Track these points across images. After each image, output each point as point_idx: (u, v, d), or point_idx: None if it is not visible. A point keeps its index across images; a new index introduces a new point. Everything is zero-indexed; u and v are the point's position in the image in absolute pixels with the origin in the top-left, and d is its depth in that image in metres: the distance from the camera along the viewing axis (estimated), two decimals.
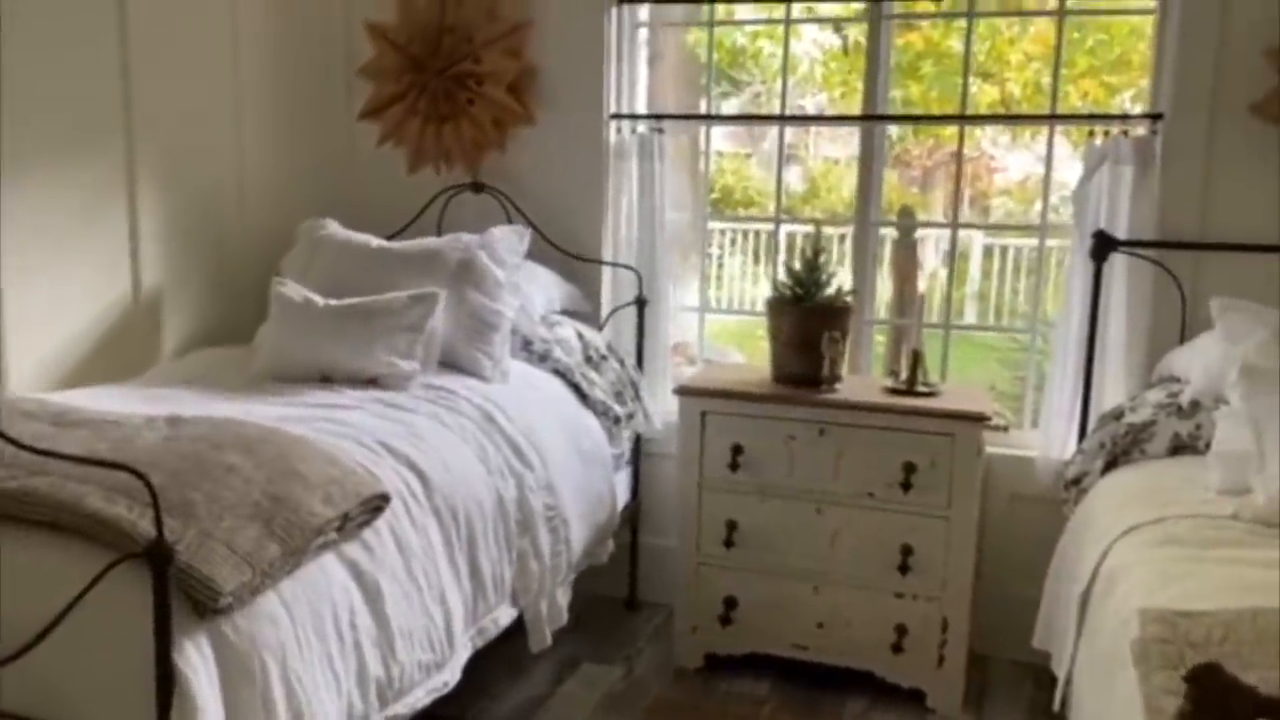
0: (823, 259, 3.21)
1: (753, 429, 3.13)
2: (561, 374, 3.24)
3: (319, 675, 1.93)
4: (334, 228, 3.36)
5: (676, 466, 3.28)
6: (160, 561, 1.66)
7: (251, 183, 3.50)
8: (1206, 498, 2.38)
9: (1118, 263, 3.12)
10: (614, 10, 3.60)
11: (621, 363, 3.46)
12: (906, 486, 2.99)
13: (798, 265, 3.22)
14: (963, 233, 3.83)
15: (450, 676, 2.38)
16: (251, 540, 1.83)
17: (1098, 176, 3.12)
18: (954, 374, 3.70)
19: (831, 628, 3.12)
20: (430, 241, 3.34)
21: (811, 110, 6.48)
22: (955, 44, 5.51)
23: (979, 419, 2.96)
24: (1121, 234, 3.09)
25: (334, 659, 1.98)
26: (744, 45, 6.44)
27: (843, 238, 5.37)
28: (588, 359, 3.35)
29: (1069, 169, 4.38)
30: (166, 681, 1.66)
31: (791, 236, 4.69)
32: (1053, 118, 3.42)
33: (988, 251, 7.21)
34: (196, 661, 1.71)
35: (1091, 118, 3.37)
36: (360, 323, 2.94)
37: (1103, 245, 3.09)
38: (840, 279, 3.25)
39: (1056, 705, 2.42)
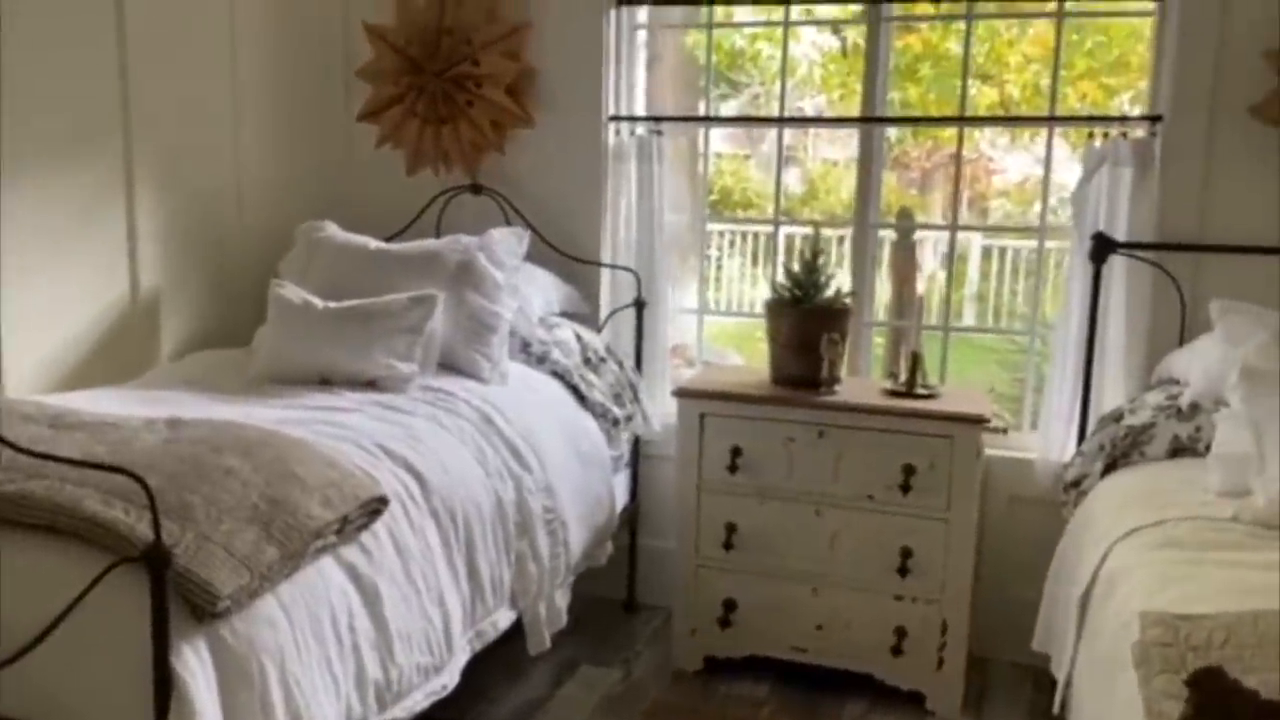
0: (821, 261, 3.21)
1: (752, 431, 3.12)
2: (560, 376, 3.24)
3: (317, 678, 1.92)
4: (332, 229, 3.35)
5: (675, 468, 3.28)
6: (158, 565, 1.65)
7: (250, 184, 3.49)
8: (1206, 500, 2.38)
9: (1117, 265, 3.12)
10: (613, 12, 3.59)
11: (620, 365, 3.45)
12: (906, 489, 2.99)
13: (796, 267, 3.21)
14: (961, 234, 3.82)
15: (449, 679, 2.38)
16: (249, 543, 1.82)
17: (1097, 178, 3.12)
18: (953, 376, 3.70)
19: (831, 630, 3.12)
20: (429, 243, 3.33)
21: (810, 112, 6.47)
22: (954, 46, 5.50)
23: (978, 421, 2.96)
24: (1121, 236, 3.09)
25: (332, 662, 1.98)
26: (742, 47, 6.43)
27: (841, 239, 5.37)
28: (586, 361, 3.35)
29: (1068, 170, 4.38)
30: (164, 685, 1.66)
31: (790, 238, 4.68)
32: (1052, 119, 3.42)
33: (986, 253, 7.20)
34: (194, 665, 1.70)
35: (1091, 119, 3.36)
36: (359, 325, 2.93)
37: (1102, 247, 3.09)
38: (839, 281, 3.25)
39: (1056, 708, 2.41)
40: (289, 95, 3.64)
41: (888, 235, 4.38)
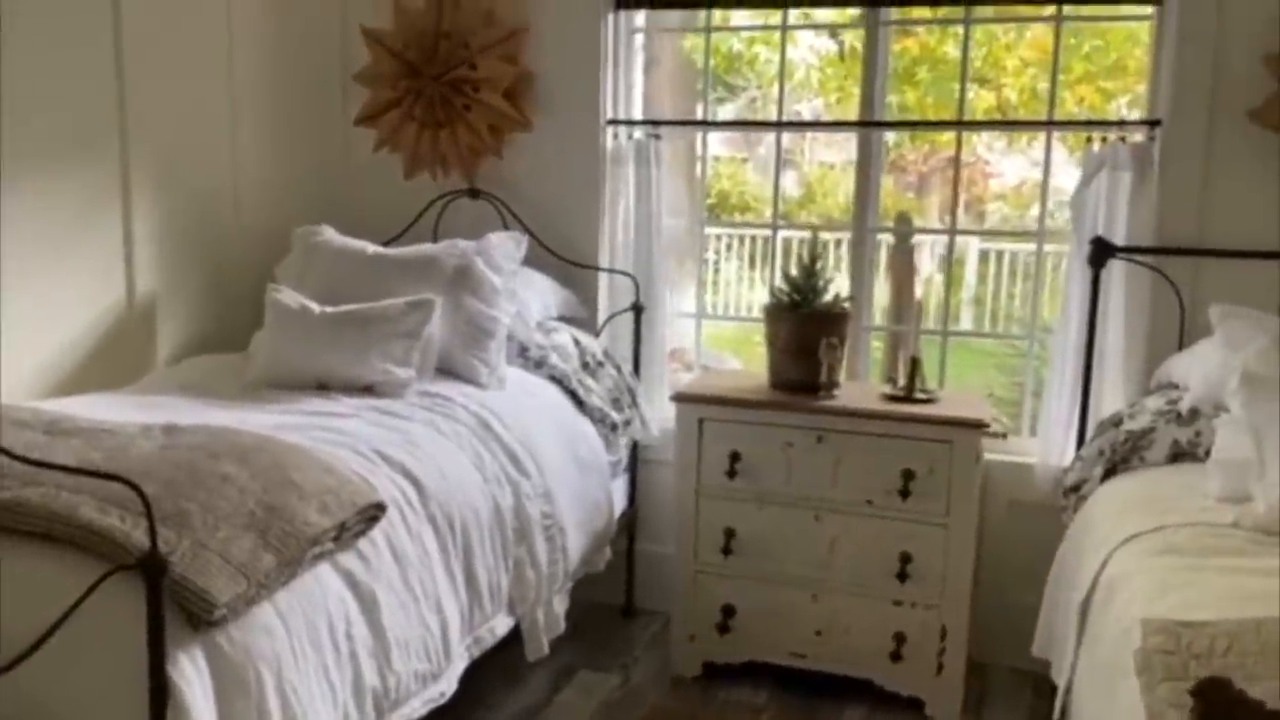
0: (820, 265, 3.20)
1: (750, 436, 3.11)
2: (558, 381, 3.23)
3: (314, 686, 1.91)
4: (330, 234, 3.34)
5: (674, 473, 3.27)
6: (154, 573, 1.64)
7: (247, 188, 3.48)
8: (1206, 505, 2.38)
9: (1116, 269, 3.11)
10: (610, 16, 3.59)
11: (618, 369, 3.44)
12: (905, 494, 2.98)
13: (795, 271, 3.21)
14: (959, 238, 3.81)
15: (447, 686, 2.37)
16: (246, 551, 1.81)
17: (1096, 182, 3.11)
18: (951, 380, 3.69)
19: (830, 636, 3.11)
20: (426, 248, 3.33)
21: (807, 115, 6.47)
22: (951, 50, 5.51)
23: (978, 426, 2.95)
24: (1119, 240, 3.09)
25: (330, 670, 1.97)
26: (740, 51, 6.43)
27: (838, 243, 5.37)
28: (584, 365, 3.34)
29: (1065, 174, 4.38)
30: (160, 694, 1.64)
31: (788, 241, 4.68)
32: (1050, 124, 3.42)
33: (983, 256, 7.20)
34: (191, 673, 1.69)
35: (1089, 124, 3.36)
36: (356, 330, 2.92)
37: (1101, 251, 3.09)
38: (838, 285, 3.24)
39: (1056, 714, 2.40)
40: (286, 99, 3.63)
41: (885, 239, 4.38)
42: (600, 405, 3.26)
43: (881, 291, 4.33)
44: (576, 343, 3.39)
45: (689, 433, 3.17)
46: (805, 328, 3.13)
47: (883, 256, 4.33)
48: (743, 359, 5.26)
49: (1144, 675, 1.63)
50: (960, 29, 3.55)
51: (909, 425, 2.99)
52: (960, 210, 3.72)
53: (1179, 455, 2.69)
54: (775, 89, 3.84)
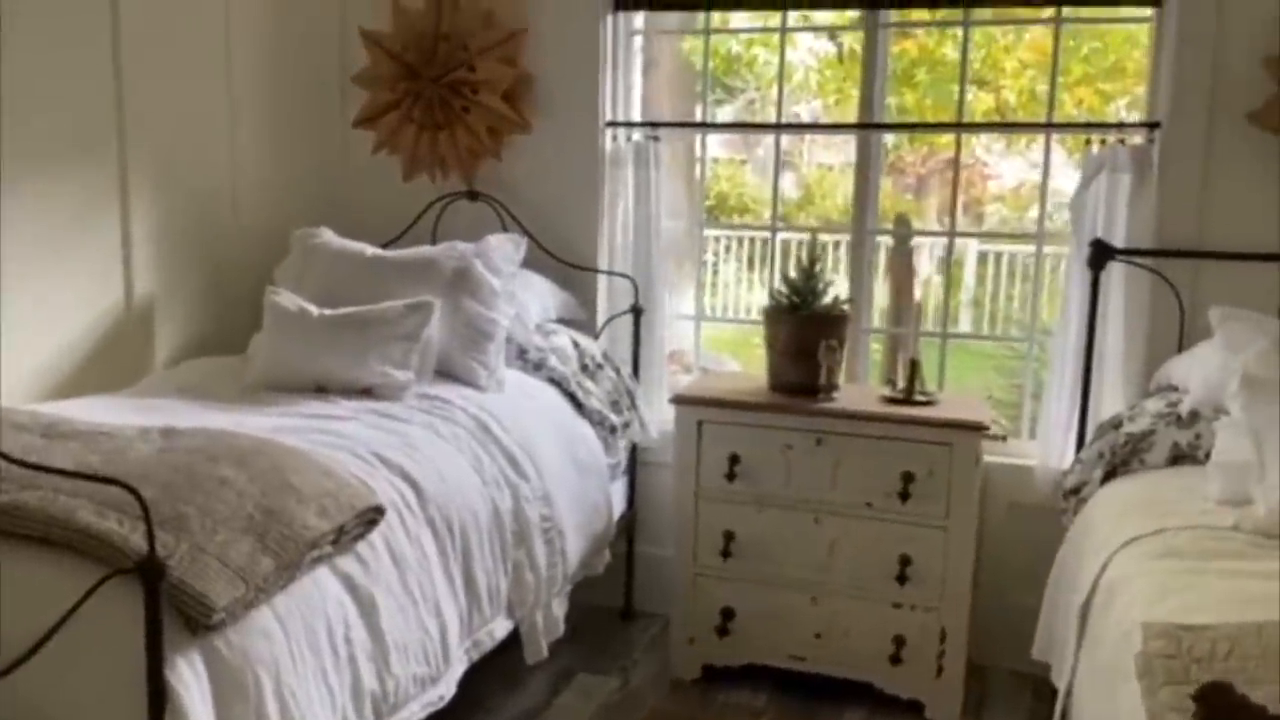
0: (819, 267, 3.20)
1: (750, 438, 3.11)
2: (557, 383, 3.22)
3: (313, 690, 1.91)
4: (328, 236, 3.34)
5: (673, 476, 3.26)
6: (152, 577, 1.64)
7: (245, 190, 3.48)
8: (1206, 508, 2.37)
9: (1115, 271, 3.11)
10: (609, 18, 3.59)
11: (617, 371, 3.44)
12: (905, 496, 2.98)
13: (794, 274, 3.20)
14: (957, 239, 3.80)
15: (445, 690, 2.36)
16: (245, 554, 1.81)
17: (1095, 185, 3.11)
18: (950, 382, 3.69)
19: (829, 638, 3.10)
20: (425, 250, 3.32)
21: (806, 117, 6.46)
22: (950, 51, 5.50)
23: (977, 428, 2.95)
24: (1119, 242, 3.08)
25: (328, 673, 1.96)
26: (739, 53, 6.43)
27: (837, 244, 5.37)
28: (583, 368, 3.34)
29: (1064, 176, 4.37)
30: (159, 698, 1.64)
31: (786, 243, 4.67)
32: (1050, 126, 3.42)
33: (982, 258, 7.20)
34: (189, 678, 1.69)
35: (1089, 126, 3.36)
36: (355, 332, 2.92)
37: (1100, 254, 3.09)
38: (837, 287, 3.24)
39: (1057, 717, 2.39)
40: (285, 101, 3.62)
41: (884, 241, 4.38)
42: (599, 408, 3.26)
43: (881, 293, 4.33)
44: (575, 345, 3.39)
45: (688, 435, 3.17)
46: (804, 330, 3.13)
47: (881, 258, 4.33)
48: (741, 361, 5.25)
49: (1145, 679, 1.62)
50: (959, 31, 3.55)
51: (908, 428, 2.98)
52: (959, 212, 3.71)
53: (1179, 458, 2.68)
54: (774, 91, 3.84)
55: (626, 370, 3.50)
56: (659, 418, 3.53)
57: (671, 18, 3.81)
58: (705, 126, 3.88)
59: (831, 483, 3.05)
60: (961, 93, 3.54)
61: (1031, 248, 3.69)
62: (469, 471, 2.60)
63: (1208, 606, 1.86)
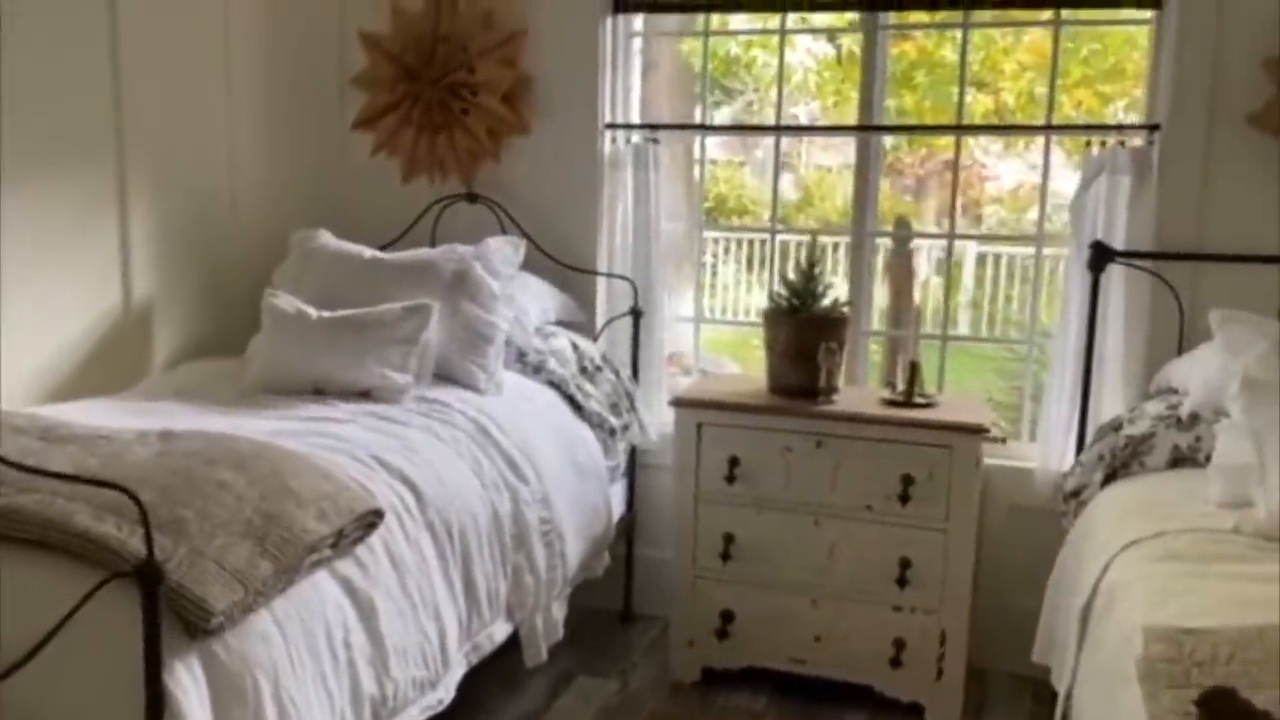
0: (818, 270, 3.19)
1: (749, 441, 3.11)
2: (556, 386, 3.22)
3: (312, 694, 1.90)
4: (327, 238, 3.33)
5: (672, 478, 3.26)
6: (150, 581, 1.63)
7: (244, 193, 3.47)
8: (1207, 511, 2.37)
9: (1115, 273, 3.11)
10: (609, 20, 3.58)
11: (616, 374, 3.43)
12: (904, 499, 2.97)
13: (794, 276, 3.20)
14: (956, 241, 3.80)
15: (445, 694, 2.36)
16: (244, 558, 1.80)
17: (1095, 187, 3.11)
18: (950, 384, 3.69)
19: (829, 641, 3.10)
20: (424, 253, 3.32)
21: (804, 118, 6.46)
22: (948, 53, 5.50)
23: (977, 431, 2.95)
24: (1119, 244, 3.08)
25: (327, 677, 1.96)
26: (737, 54, 6.43)
27: (835, 246, 5.36)
28: (583, 370, 3.33)
29: (1062, 177, 4.37)
30: (156, 702, 1.63)
31: (785, 245, 4.67)
32: (1050, 128, 3.42)
33: (980, 259, 7.20)
34: (187, 682, 1.68)
35: (1089, 128, 3.36)
36: (353, 335, 2.91)
37: (1100, 256, 3.08)
38: (836, 290, 3.23)
39: None
40: (283, 103, 3.62)
41: (883, 243, 4.38)
42: (599, 410, 3.25)
43: (880, 295, 4.32)
44: (575, 347, 3.38)
45: (688, 437, 3.16)
46: (804, 332, 3.13)
47: (880, 260, 4.32)
48: (740, 362, 5.24)
49: (1147, 683, 1.62)
50: (958, 33, 3.55)
51: (908, 430, 2.98)
52: (957, 213, 3.71)
53: (1179, 460, 2.68)
54: (772, 92, 3.84)
55: (626, 372, 3.50)
56: (658, 420, 3.52)
57: (671, 20, 3.81)
58: (705, 129, 3.88)
59: (831, 485, 3.04)
60: (961, 95, 3.53)
61: (1030, 249, 3.69)
62: (468, 475, 2.59)
63: (1209, 610, 1.86)
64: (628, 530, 3.61)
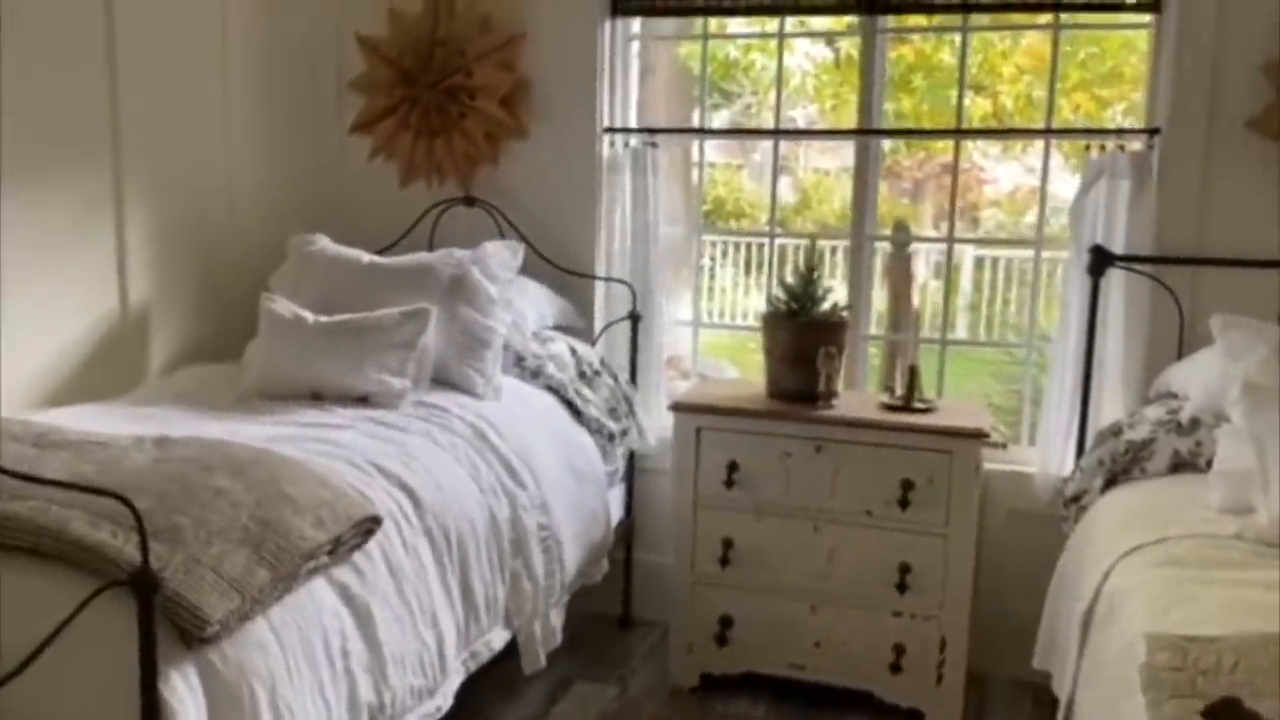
0: (817, 274, 3.18)
1: (748, 445, 3.09)
2: (554, 390, 3.20)
3: (309, 703, 1.89)
4: (324, 243, 3.32)
5: (671, 483, 3.24)
6: (146, 589, 1.62)
7: (241, 197, 3.46)
8: (1208, 517, 2.35)
9: (1115, 277, 3.10)
10: (607, 23, 3.57)
11: (615, 378, 3.42)
12: (904, 504, 2.96)
13: (793, 280, 3.19)
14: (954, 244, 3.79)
15: (443, 701, 2.34)
16: (240, 566, 1.79)
17: (1094, 191, 3.10)
18: (948, 388, 3.68)
19: (829, 647, 3.08)
20: (422, 257, 3.30)
21: (802, 121, 6.46)
22: (946, 57, 5.50)
23: (977, 435, 2.94)
24: (1118, 249, 3.08)
25: (325, 686, 1.94)
26: (736, 58, 6.42)
27: (834, 250, 5.36)
28: (581, 375, 3.32)
29: (1061, 181, 4.37)
30: (152, 712, 1.62)
31: (783, 248, 4.66)
32: (1050, 132, 3.41)
33: (978, 263, 7.20)
34: (183, 692, 1.67)
35: (1088, 132, 3.36)
36: (351, 340, 2.90)
37: (1100, 260, 3.08)
38: (835, 293, 3.22)
39: None
40: (281, 107, 3.61)
41: (882, 247, 4.37)
42: (597, 415, 3.24)
43: (879, 299, 4.32)
44: (573, 352, 3.37)
45: (686, 442, 3.15)
46: (803, 336, 3.12)
47: (878, 264, 4.31)
48: (738, 365, 5.24)
49: (1151, 691, 1.61)
50: (956, 36, 3.54)
51: (908, 435, 2.97)
52: (955, 217, 3.70)
53: (1180, 466, 2.67)
54: (770, 95, 3.83)
55: (624, 377, 3.48)
56: (657, 424, 3.51)
57: (669, 23, 3.80)
58: (704, 133, 3.87)
59: (831, 490, 3.03)
60: (960, 99, 3.53)
61: (1028, 252, 3.68)
62: (466, 480, 2.58)
63: (1211, 617, 1.85)
64: (626, 535, 3.60)
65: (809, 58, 6.49)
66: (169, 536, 1.76)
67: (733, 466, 3.09)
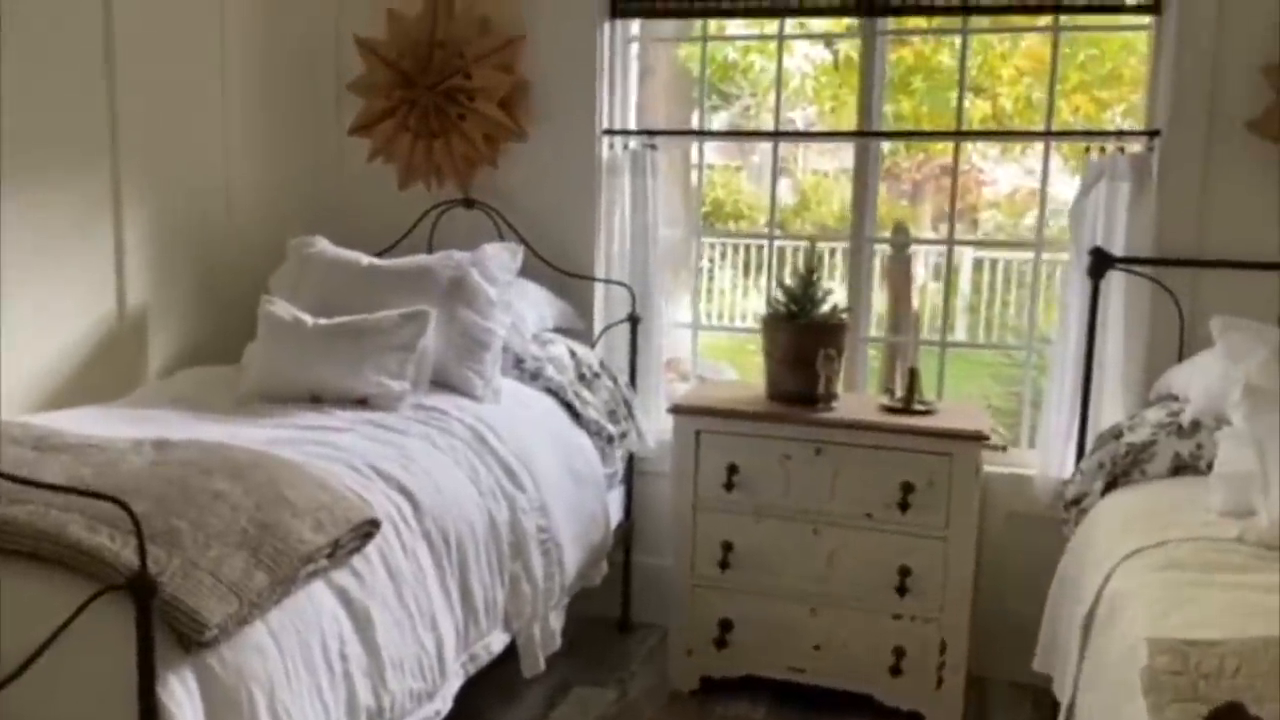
0: (817, 276, 3.18)
1: (748, 448, 3.09)
2: (554, 392, 3.20)
3: (308, 707, 1.88)
4: (323, 245, 3.31)
5: (671, 486, 3.24)
6: (143, 594, 1.61)
7: (240, 199, 3.45)
8: (1208, 520, 2.35)
9: (1115, 279, 3.10)
10: (606, 25, 3.57)
11: (614, 380, 3.41)
12: (904, 506, 2.96)
13: (792, 282, 3.18)
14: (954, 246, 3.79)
15: (442, 705, 2.34)
16: (239, 570, 1.78)
17: (1094, 193, 3.10)
18: (948, 390, 3.67)
19: (828, 650, 3.08)
20: (421, 259, 3.30)
21: (801, 123, 6.46)
22: (945, 59, 5.50)
23: (977, 438, 2.93)
24: (1118, 251, 3.07)
25: (323, 690, 1.93)
26: (735, 59, 6.42)
27: (833, 251, 5.35)
28: (580, 377, 3.31)
29: (1060, 183, 4.36)
30: (150, 716, 1.61)
31: (782, 250, 4.66)
32: (1050, 134, 3.41)
33: (978, 265, 7.20)
34: (181, 696, 1.66)
35: (1088, 134, 3.35)
36: (350, 342, 2.89)
37: (1100, 262, 3.07)
38: (835, 295, 3.22)
39: None
40: (280, 109, 3.60)
41: (881, 248, 4.37)
42: (596, 417, 3.23)
43: (879, 301, 4.31)
44: (572, 354, 3.37)
45: (686, 445, 3.15)
46: (803, 339, 3.11)
47: (877, 266, 4.31)
48: (738, 368, 5.23)
49: (1152, 695, 1.60)
50: (956, 38, 3.54)
51: (908, 437, 2.97)
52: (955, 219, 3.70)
53: (1180, 468, 2.67)
54: (770, 97, 3.83)
55: (624, 379, 3.48)
56: (656, 427, 3.50)
57: (668, 25, 3.80)
58: (703, 135, 3.86)
59: (830, 493, 3.03)
60: (960, 101, 3.52)
61: (1027, 254, 3.68)
62: (465, 483, 2.57)
63: (1212, 620, 1.85)
64: (626, 538, 3.59)
65: (808, 59, 6.49)
66: (167, 540, 1.76)
67: (732, 469, 3.09)
